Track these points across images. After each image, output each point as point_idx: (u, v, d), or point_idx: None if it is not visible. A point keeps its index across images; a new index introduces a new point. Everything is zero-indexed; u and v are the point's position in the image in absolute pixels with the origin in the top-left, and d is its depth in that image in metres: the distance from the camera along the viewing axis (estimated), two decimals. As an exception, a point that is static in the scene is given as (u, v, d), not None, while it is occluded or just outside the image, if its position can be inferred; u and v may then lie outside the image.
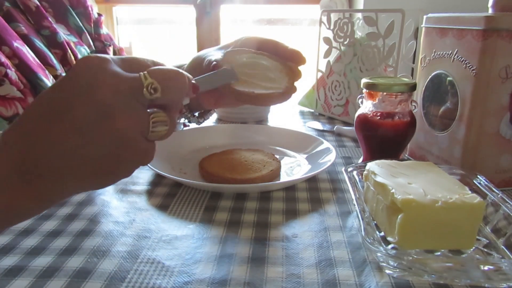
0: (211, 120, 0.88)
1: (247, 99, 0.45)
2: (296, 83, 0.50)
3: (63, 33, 0.64)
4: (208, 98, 0.55)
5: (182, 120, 0.68)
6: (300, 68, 0.51)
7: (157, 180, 0.55)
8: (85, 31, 0.71)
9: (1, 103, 0.49)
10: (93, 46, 0.72)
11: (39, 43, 0.59)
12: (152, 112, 0.30)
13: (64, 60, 0.62)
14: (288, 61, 0.51)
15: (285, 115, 0.93)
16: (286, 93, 0.48)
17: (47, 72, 0.57)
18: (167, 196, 0.50)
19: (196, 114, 0.64)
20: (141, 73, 0.29)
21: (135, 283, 0.34)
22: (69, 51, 0.63)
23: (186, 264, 0.36)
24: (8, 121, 0.49)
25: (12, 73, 0.51)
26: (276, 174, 0.56)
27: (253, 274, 0.35)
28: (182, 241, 0.40)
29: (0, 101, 0.49)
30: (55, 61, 0.60)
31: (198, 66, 0.58)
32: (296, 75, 0.51)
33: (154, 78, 0.29)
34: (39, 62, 0.57)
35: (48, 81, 0.56)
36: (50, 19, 0.63)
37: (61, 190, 0.29)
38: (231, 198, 0.50)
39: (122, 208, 0.47)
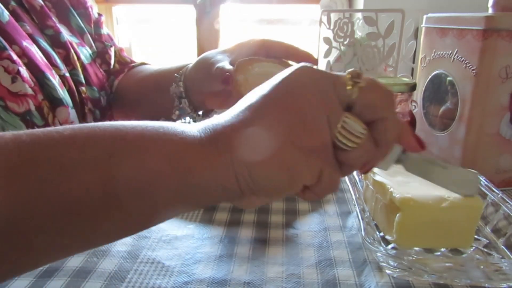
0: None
1: None
2: None
3: (66, 34, 0.64)
4: (213, 98, 0.56)
5: (187, 119, 0.69)
6: None
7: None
8: (87, 32, 0.71)
9: (13, 100, 0.50)
10: (94, 47, 0.72)
11: (44, 43, 0.59)
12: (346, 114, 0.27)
13: (67, 60, 0.62)
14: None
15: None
16: None
17: (53, 71, 0.57)
18: (167, 196, 0.50)
19: (200, 113, 0.65)
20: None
21: (135, 283, 0.34)
22: (72, 51, 0.63)
23: (186, 264, 0.36)
24: (20, 117, 0.50)
25: (24, 71, 0.51)
26: None
27: (253, 274, 0.35)
28: (182, 241, 0.40)
29: (12, 97, 0.50)
30: (59, 61, 0.60)
31: (204, 70, 0.58)
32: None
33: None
34: (46, 62, 0.57)
35: (55, 80, 0.56)
36: (53, 18, 0.63)
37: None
38: (231, 198, 0.50)
39: (122, 208, 0.47)
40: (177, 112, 0.68)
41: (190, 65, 0.64)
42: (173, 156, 0.26)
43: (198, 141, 0.27)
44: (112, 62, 0.77)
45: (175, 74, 0.65)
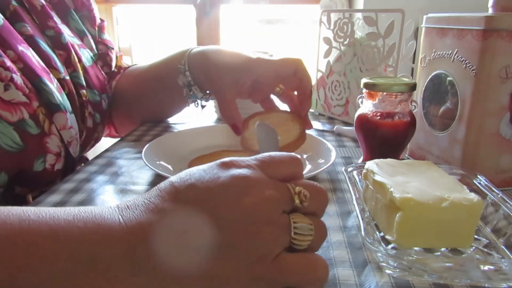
0: (211, 120, 0.88)
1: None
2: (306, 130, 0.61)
3: (67, 34, 0.63)
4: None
5: (199, 102, 0.71)
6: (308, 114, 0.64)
7: (157, 180, 0.55)
8: (88, 35, 0.69)
9: (6, 108, 0.48)
10: (95, 49, 0.71)
11: (44, 45, 0.57)
12: (293, 216, 0.28)
13: (67, 62, 0.61)
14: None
15: (285, 115, 0.93)
16: (300, 139, 0.58)
17: (51, 76, 0.56)
18: (167, 196, 0.50)
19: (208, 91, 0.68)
20: (288, 184, 0.29)
21: (135, 283, 0.34)
22: (73, 52, 0.62)
23: (186, 264, 0.36)
24: (13, 126, 0.48)
25: (18, 78, 0.49)
26: None
27: (253, 274, 0.35)
28: (182, 241, 0.40)
29: (5, 106, 0.48)
30: (59, 64, 0.58)
31: (216, 77, 0.63)
32: (306, 122, 0.62)
33: (302, 186, 0.29)
34: (44, 66, 0.55)
35: (52, 85, 0.54)
36: (55, 19, 0.62)
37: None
38: (231, 198, 0.50)
39: (122, 208, 0.47)
40: (189, 100, 0.71)
41: (193, 52, 0.65)
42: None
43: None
44: (114, 64, 0.76)
45: (178, 66, 0.66)
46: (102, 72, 0.72)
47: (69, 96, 0.58)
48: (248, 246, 0.25)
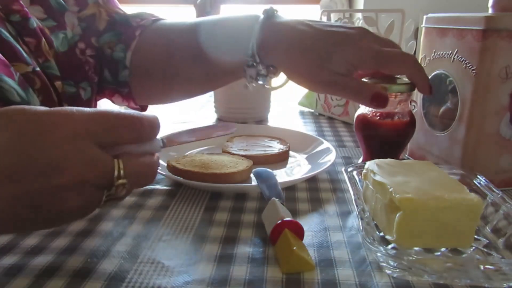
0: (211, 120, 0.88)
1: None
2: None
3: (37, 18, 0.55)
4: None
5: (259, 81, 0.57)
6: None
7: (157, 180, 0.55)
8: (69, 10, 0.59)
9: None
10: (78, 27, 0.60)
11: (6, 34, 0.50)
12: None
13: (38, 50, 0.53)
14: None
15: (285, 115, 0.93)
16: (281, 154, 0.63)
17: (11, 69, 0.48)
18: (167, 196, 0.50)
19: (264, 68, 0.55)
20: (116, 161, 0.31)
21: (135, 283, 0.34)
22: (43, 39, 0.54)
23: (186, 264, 0.36)
24: None
25: None
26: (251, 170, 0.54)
27: (253, 274, 0.35)
28: (182, 241, 0.40)
29: None
30: (25, 55, 0.51)
31: (310, 61, 0.50)
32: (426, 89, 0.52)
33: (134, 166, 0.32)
34: (3, 59, 0.48)
35: (13, 81, 0.47)
36: (21, 2, 0.53)
37: None
38: (231, 198, 0.50)
39: (122, 208, 0.47)
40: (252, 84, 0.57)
41: (260, 38, 0.54)
42: None
43: None
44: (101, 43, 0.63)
45: (247, 59, 0.54)
46: (86, 55, 0.61)
47: (42, 90, 0.51)
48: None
